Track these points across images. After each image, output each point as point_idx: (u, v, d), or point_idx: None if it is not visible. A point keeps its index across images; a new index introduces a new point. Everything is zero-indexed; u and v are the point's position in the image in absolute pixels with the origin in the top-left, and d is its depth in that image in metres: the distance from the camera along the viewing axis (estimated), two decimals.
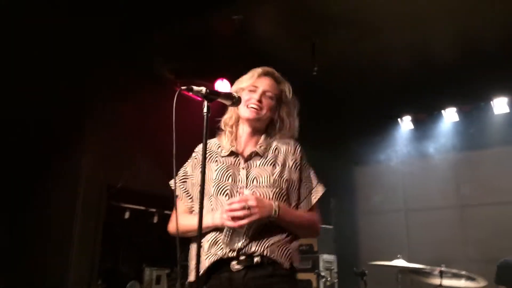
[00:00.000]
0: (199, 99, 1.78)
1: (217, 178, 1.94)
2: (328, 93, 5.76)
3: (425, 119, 6.56)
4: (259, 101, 1.99)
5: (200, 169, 1.72)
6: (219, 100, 1.83)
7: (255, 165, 1.97)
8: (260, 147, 2.00)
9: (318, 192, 2.03)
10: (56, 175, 4.23)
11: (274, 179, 1.92)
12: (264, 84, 2.04)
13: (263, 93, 2.02)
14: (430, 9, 4.47)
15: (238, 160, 1.99)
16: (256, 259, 1.82)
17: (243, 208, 1.77)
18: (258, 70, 2.08)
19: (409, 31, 4.83)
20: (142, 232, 5.73)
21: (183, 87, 1.71)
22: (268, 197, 1.88)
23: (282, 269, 1.86)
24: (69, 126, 4.77)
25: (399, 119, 6.70)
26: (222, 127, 2.09)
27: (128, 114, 5.08)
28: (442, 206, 6.24)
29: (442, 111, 6.34)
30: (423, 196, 6.43)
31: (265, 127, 2.07)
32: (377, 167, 6.80)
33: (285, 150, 2.01)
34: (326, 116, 6.23)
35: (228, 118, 2.10)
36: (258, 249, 1.83)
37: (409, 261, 4.05)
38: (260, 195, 1.87)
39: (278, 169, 1.95)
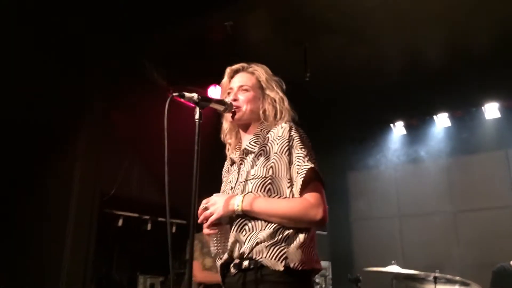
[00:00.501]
0: (192, 105, 1.77)
1: (224, 187, 1.99)
2: (320, 98, 5.77)
3: (417, 124, 6.58)
4: (235, 99, 1.95)
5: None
6: (212, 106, 1.82)
7: (246, 162, 1.91)
8: (250, 142, 1.94)
9: (304, 171, 1.76)
10: (50, 182, 4.19)
11: (255, 170, 1.82)
12: (236, 81, 2.02)
13: (238, 90, 1.99)
14: (422, 15, 4.50)
15: (236, 167, 1.96)
16: (245, 263, 1.72)
17: (204, 210, 1.75)
18: (228, 71, 2.08)
19: (400, 37, 4.86)
20: (136, 240, 5.70)
21: (175, 93, 1.71)
22: (247, 190, 1.79)
23: (274, 273, 1.68)
24: (62, 134, 4.74)
25: (391, 125, 6.71)
26: (224, 141, 2.09)
27: (121, 121, 5.07)
28: (435, 211, 6.25)
29: (434, 116, 6.37)
30: (416, 202, 6.44)
31: (257, 121, 1.98)
32: (370, 172, 6.81)
33: (273, 135, 1.88)
34: (318, 122, 6.23)
35: (224, 128, 2.09)
36: (246, 251, 1.72)
37: (403, 267, 4.05)
38: (244, 189, 1.80)
39: (262, 158, 1.84)
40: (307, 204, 1.74)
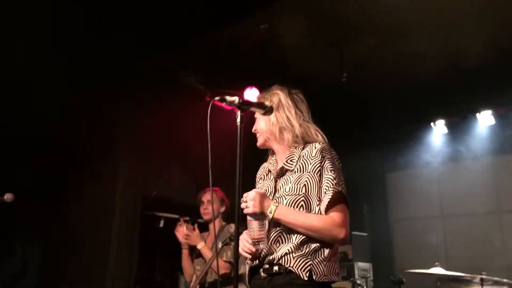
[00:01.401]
0: (229, 108, 1.81)
1: None
2: (357, 99, 5.71)
3: (459, 123, 6.40)
4: (255, 129, 2.13)
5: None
6: (252, 109, 1.87)
7: (282, 178, 2.05)
8: (287, 161, 2.06)
9: (331, 192, 1.92)
10: (95, 187, 4.35)
11: (289, 187, 1.97)
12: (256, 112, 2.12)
13: (256, 121, 2.14)
14: (459, 12, 4.39)
15: (271, 177, 2.10)
16: (275, 268, 1.91)
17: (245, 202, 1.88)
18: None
19: (439, 34, 4.75)
20: (176, 241, 5.80)
21: (216, 98, 1.76)
22: (285, 205, 1.94)
23: (300, 279, 1.86)
24: (105, 140, 4.91)
25: (432, 123, 6.56)
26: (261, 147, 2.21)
27: (160, 125, 5.19)
28: (479, 211, 6.06)
29: (477, 114, 6.18)
30: (459, 202, 6.27)
31: (283, 140, 2.08)
32: (410, 173, 6.68)
33: (306, 154, 2.01)
34: (357, 123, 6.18)
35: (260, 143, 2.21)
36: (276, 258, 1.91)
37: (447, 269, 3.96)
38: (279, 203, 1.94)
39: (296, 175, 1.99)
40: (332, 221, 1.90)
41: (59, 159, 4.76)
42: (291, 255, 1.88)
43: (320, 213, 1.92)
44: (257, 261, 1.96)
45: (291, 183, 1.97)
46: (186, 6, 4.18)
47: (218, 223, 4.00)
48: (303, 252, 1.89)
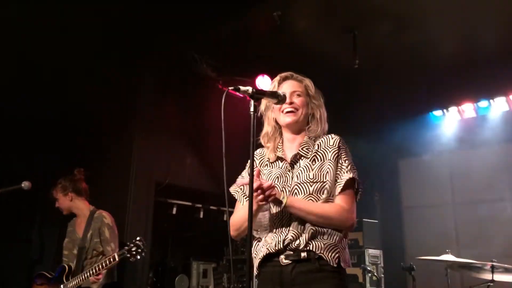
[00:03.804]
0: (241, 96, 1.82)
1: (268, 178, 2.05)
2: (370, 85, 5.68)
3: (473, 109, 6.34)
4: (291, 102, 2.08)
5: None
6: (265, 98, 1.89)
7: (299, 165, 2.06)
8: (302, 148, 2.09)
9: (344, 180, 2.00)
10: (109, 174, 4.40)
11: (313, 174, 2.00)
12: (288, 86, 2.14)
13: (292, 94, 2.10)
14: None
15: (285, 164, 2.09)
16: (303, 254, 1.91)
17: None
18: (277, 78, 2.20)
19: (452, 20, 4.68)
20: (189, 227, 5.88)
21: (230, 88, 1.77)
22: (308, 192, 1.97)
23: (329, 266, 1.91)
24: (118, 127, 4.96)
25: (445, 110, 6.51)
26: (263, 143, 2.18)
27: (172, 112, 5.22)
28: (491, 198, 6.02)
29: (491, 101, 6.11)
30: (471, 189, 6.22)
31: (305, 126, 2.14)
32: (422, 159, 6.63)
33: (325, 143, 2.08)
34: (369, 109, 6.15)
35: (265, 133, 2.18)
36: (304, 244, 1.91)
37: (458, 256, 3.97)
38: (301, 190, 1.98)
39: (318, 163, 2.04)
40: (340, 208, 1.97)
41: (75, 145, 4.83)
42: (320, 242, 1.92)
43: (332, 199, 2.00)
44: (279, 246, 1.94)
45: (314, 170, 2.01)
46: None
47: (82, 206, 3.80)
48: (331, 239, 1.94)
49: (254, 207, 1.88)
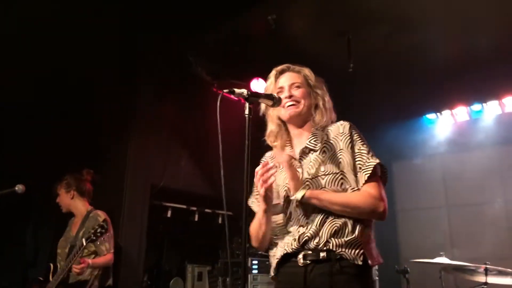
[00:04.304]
0: (235, 99, 1.82)
1: (280, 181, 1.97)
2: (364, 88, 5.71)
3: (466, 112, 6.39)
4: (291, 96, 2.00)
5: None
6: (260, 101, 1.88)
7: (309, 160, 1.95)
8: (310, 141, 1.98)
9: (369, 167, 1.85)
10: (104, 177, 4.39)
11: (325, 166, 1.88)
12: (286, 79, 2.06)
13: (290, 87, 2.03)
14: (468, 1, 4.36)
15: (294, 161, 1.98)
16: (322, 254, 1.77)
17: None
18: (273, 73, 2.11)
19: (447, 23, 4.73)
20: (184, 230, 5.87)
21: (225, 90, 1.76)
22: (321, 186, 1.85)
23: (352, 266, 1.76)
24: (114, 130, 4.95)
25: (438, 113, 6.55)
26: (269, 143, 2.11)
27: (168, 115, 5.22)
28: (485, 201, 6.06)
29: (484, 104, 6.16)
30: (465, 192, 6.26)
31: (310, 118, 2.04)
32: (417, 162, 6.67)
33: (334, 132, 1.97)
34: (364, 112, 6.17)
35: (270, 132, 2.10)
36: (323, 242, 1.78)
37: (452, 258, 3.99)
38: (315, 185, 1.85)
39: (328, 154, 1.91)
40: (368, 195, 1.82)
41: (70, 147, 4.81)
42: (340, 239, 1.77)
43: (358, 189, 1.85)
44: (296, 245, 1.82)
45: (325, 162, 1.89)
46: None
47: (81, 207, 3.82)
48: (352, 233, 1.79)
49: (263, 206, 1.82)
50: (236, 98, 1.87)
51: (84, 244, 3.25)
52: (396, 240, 6.65)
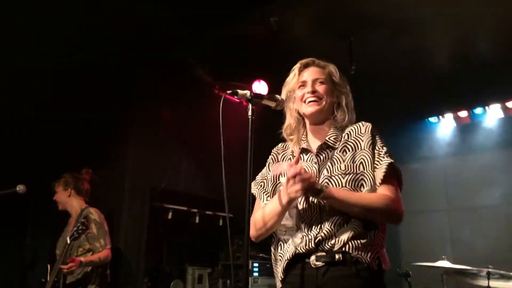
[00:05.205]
0: (237, 100, 1.81)
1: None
2: (366, 92, 5.68)
3: (468, 116, 6.39)
4: (313, 91, 1.94)
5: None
6: (264, 102, 1.84)
7: (327, 157, 1.88)
8: (330, 137, 1.92)
9: (384, 167, 1.79)
10: (104, 179, 4.38)
11: (345, 165, 1.82)
12: (310, 74, 1.99)
13: (314, 82, 1.97)
14: (470, 5, 4.35)
15: (310, 156, 1.92)
16: (337, 256, 1.70)
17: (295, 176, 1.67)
18: (297, 65, 2.04)
19: (449, 28, 4.72)
20: (184, 232, 5.85)
21: (228, 92, 1.75)
22: (340, 185, 1.78)
23: (368, 270, 1.70)
24: (114, 132, 4.94)
25: (440, 117, 6.54)
26: (285, 136, 2.05)
27: (169, 116, 5.21)
28: (486, 204, 6.04)
29: (486, 108, 6.15)
30: (466, 195, 6.25)
31: (330, 116, 1.98)
32: (417, 166, 6.65)
33: (355, 131, 1.91)
34: (365, 115, 6.15)
35: (287, 126, 2.05)
36: (339, 244, 1.71)
37: (454, 262, 3.97)
38: (332, 184, 1.78)
39: (349, 153, 1.85)
40: (387, 197, 1.77)
41: (71, 148, 4.81)
42: (358, 240, 1.70)
43: (374, 189, 1.79)
44: (310, 246, 1.73)
45: (346, 161, 1.82)
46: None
47: (76, 205, 3.82)
48: (369, 237, 1.73)
49: (285, 200, 1.71)
50: (238, 100, 1.85)
51: (68, 242, 3.27)
52: (398, 243, 6.63)
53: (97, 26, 4.24)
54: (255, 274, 4.89)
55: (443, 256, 3.96)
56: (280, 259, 1.85)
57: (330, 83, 1.99)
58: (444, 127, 6.55)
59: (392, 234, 6.70)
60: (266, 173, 2.05)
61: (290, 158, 1.99)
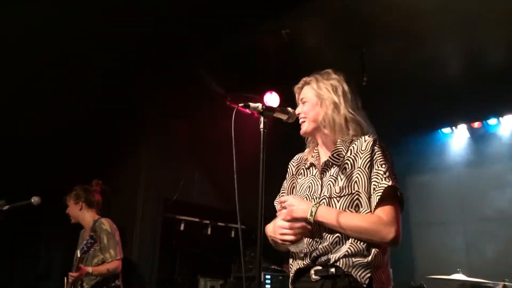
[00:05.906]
0: (249, 112, 1.82)
1: (300, 189, 1.98)
2: (379, 102, 5.67)
3: (481, 127, 6.33)
4: (299, 114, 2.00)
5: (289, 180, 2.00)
6: (275, 115, 1.87)
7: (329, 174, 1.90)
8: (334, 154, 1.92)
9: (381, 189, 1.75)
10: (117, 191, 4.42)
11: (340, 187, 1.82)
12: (298, 95, 2.07)
13: (301, 103, 2.03)
14: (481, 16, 4.33)
15: (317, 171, 1.96)
16: (331, 270, 1.77)
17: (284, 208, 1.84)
18: (294, 89, 2.11)
19: (461, 38, 4.70)
20: (197, 244, 5.85)
21: (240, 104, 1.77)
22: (335, 207, 1.80)
23: (359, 284, 1.73)
24: (127, 144, 4.99)
25: (453, 127, 6.50)
26: (306, 140, 2.13)
27: (181, 128, 5.25)
28: (502, 217, 5.95)
29: (500, 118, 6.09)
30: (481, 207, 6.16)
31: (327, 130, 1.96)
32: (431, 176, 6.60)
33: (357, 147, 1.87)
34: (378, 126, 6.12)
35: (308, 133, 2.10)
36: (332, 259, 1.77)
37: (469, 274, 3.91)
38: (331, 205, 1.81)
39: (347, 171, 1.84)
40: (378, 221, 1.75)
41: (83, 160, 4.86)
42: (351, 258, 1.74)
43: (371, 211, 1.77)
44: (307, 261, 1.83)
45: (342, 181, 1.82)
46: (207, 11, 4.23)
47: (89, 218, 3.84)
48: (364, 256, 1.74)
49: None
50: (249, 112, 1.87)
51: (79, 255, 3.33)
52: (411, 255, 6.55)
53: (112, 39, 4.30)
54: (267, 286, 4.87)
55: (458, 269, 3.92)
56: (290, 271, 1.94)
57: (314, 97, 1.99)
58: (457, 138, 6.50)
59: (405, 246, 6.65)
60: (285, 185, 2.13)
61: (301, 172, 2.05)
